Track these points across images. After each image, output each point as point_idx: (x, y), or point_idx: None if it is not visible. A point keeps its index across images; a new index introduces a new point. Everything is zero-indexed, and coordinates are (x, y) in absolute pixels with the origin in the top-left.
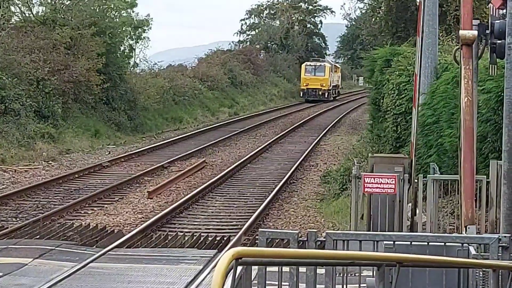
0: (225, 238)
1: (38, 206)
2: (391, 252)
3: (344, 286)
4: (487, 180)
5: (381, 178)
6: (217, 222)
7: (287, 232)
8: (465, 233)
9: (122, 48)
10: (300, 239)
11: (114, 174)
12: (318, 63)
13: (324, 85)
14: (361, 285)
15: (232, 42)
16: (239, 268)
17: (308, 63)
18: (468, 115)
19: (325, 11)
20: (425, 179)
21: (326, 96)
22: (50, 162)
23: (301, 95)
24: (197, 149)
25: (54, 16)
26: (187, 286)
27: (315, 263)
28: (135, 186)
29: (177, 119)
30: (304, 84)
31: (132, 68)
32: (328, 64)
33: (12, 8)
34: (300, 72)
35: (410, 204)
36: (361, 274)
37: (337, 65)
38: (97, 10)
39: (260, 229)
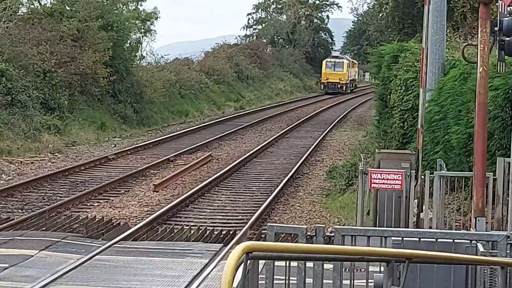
0: (231, 232)
1: (44, 198)
2: (399, 248)
3: (352, 281)
4: (494, 177)
5: (388, 174)
6: (223, 216)
7: (295, 227)
8: (475, 225)
9: (129, 41)
10: (308, 234)
11: (120, 166)
12: (337, 60)
13: (342, 79)
14: (369, 280)
15: (239, 36)
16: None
17: (328, 59)
18: (482, 88)
19: (332, 6)
20: (431, 175)
21: (344, 89)
22: (56, 154)
23: (322, 88)
24: (203, 143)
25: (61, 8)
26: (193, 279)
27: (325, 258)
28: (141, 179)
29: (183, 113)
30: (325, 78)
31: (138, 61)
32: (346, 60)
33: None
34: (321, 68)
35: (416, 200)
36: (368, 270)
37: (354, 61)
38: (105, 3)
39: (268, 224)
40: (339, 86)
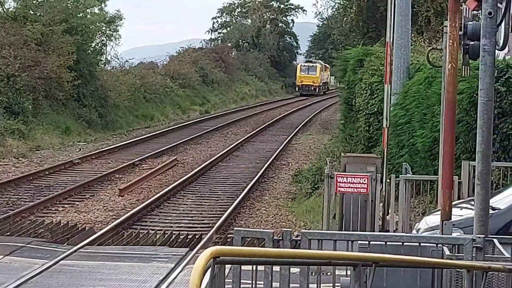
0: (196, 236)
1: (8, 203)
2: (365, 251)
3: (319, 285)
4: (459, 180)
5: (354, 177)
6: (189, 220)
7: (262, 231)
8: (442, 229)
9: (93, 45)
10: (275, 238)
11: (85, 171)
12: (311, 64)
13: (315, 82)
14: (336, 284)
15: (204, 40)
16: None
17: (303, 63)
18: (450, 86)
19: (296, 10)
20: (397, 179)
21: (317, 91)
22: (20, 158)
23: (297, 90)
24: (168, 147)
25: (25, 12)
26: (159, 284)
27: (292, 263)
28: (106, 184)
29: (148, 117)
30: (299, 81)
31: (103, 65)
32: (319, 64)
33: None
34: (296, 71)
35: (381, 204)
36: (335, 274)
37: (327, 65)
38: (69, 6)
39: (235, 228)
40: (312, 88)
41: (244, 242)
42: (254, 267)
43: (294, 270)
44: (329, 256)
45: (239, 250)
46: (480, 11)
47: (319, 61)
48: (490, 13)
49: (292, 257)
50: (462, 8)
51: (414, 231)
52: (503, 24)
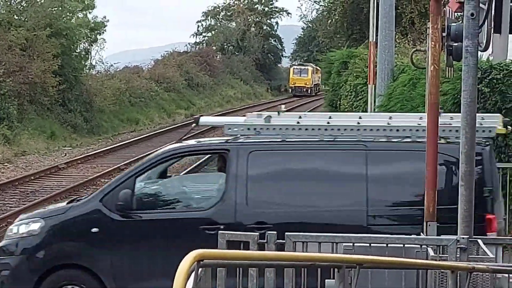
0: None
1: None
2: (350, 253)
3: (304, 287)
4: None
5: None
6: None
7: (246, 234)
8: (426, 230)
9: (78, 49)
10: (260, 241)
11: (71, 176)
12: (303, 67)
13: (307, 83)
14: (321, 286)
15: (189, 43)
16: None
17: (295, 66)
18: (433, 88)
19: (281, 12)
20: None
21: (309, 92)
22: (6, 164)
23: (290, 91)
24: (154, 151)
25: (9, 17)
26: None
27: (277, 265)
28: (92, 188)
29: (133, 121)
30: (292, 83)
31: (88, 70)
32: (310, 67)
33: None
34: (289, 74)
35: None
36: (320, 276)
37: (318, 68)
38: (53, 12)
39: (219, 231)
40: (305, 89)
41: (228, 245)
42: (240, 270)
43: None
44: (313, 258)
45: (222, 253)
46: (463, 12)
47: (311, 64)
48: (472, 14)
49: (276, 259)
50: (445, 9)
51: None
52: (485, 25)
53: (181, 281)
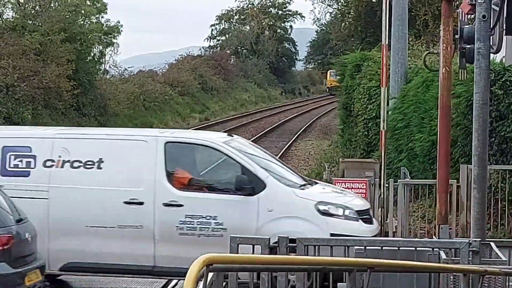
0: None
1: None
2: (362, 257)
3: None
4: (457, 184)
5: (352, 183)
6: None
7: (258, 238)
8: (438, 233)
9: (92, 54)
10: (271, 244)
11: None
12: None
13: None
14: None
15: (203, 47)
16: (210, 274)
17: (331, 70)
18: (445, 90)
19: (295, 16)
20: (395, 183)
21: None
22: None
23: (327, 90)
24: None
25: (23, 22)
26: None
27: (287, 269)
28: None
29: (147, 125)
30: (329, 84)
31: (102, 74)
32: None
33: None
34: (326, 76)
35: (380, 209)
36: (332, 280)
37: None
38: (67, 16)
39: (231, 235)
40: (338, 88)
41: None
42: (252, 274)
43: (292, 276)
44: (324, 262)
45: (232, 257)
46: (474, 14)
47: None
48: (484, 16)
49: (286, 263)
50: (458, 11)
51: None
52: (497, 27)
53: (190, 286)
